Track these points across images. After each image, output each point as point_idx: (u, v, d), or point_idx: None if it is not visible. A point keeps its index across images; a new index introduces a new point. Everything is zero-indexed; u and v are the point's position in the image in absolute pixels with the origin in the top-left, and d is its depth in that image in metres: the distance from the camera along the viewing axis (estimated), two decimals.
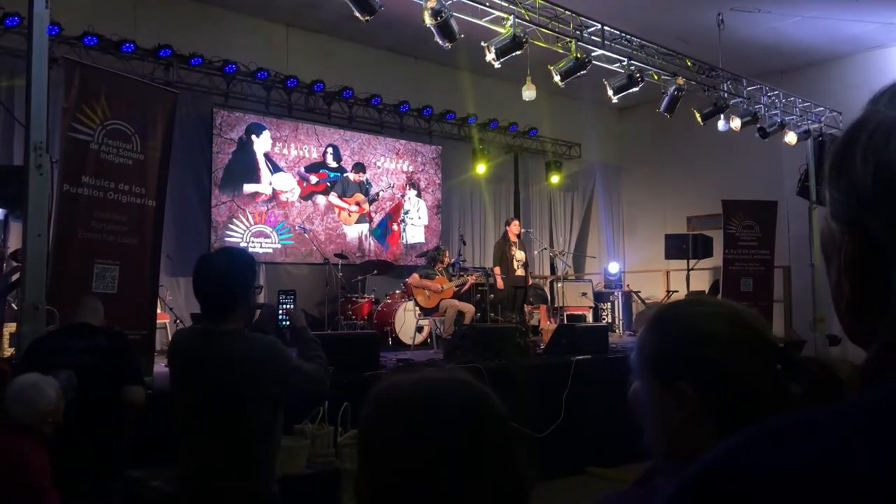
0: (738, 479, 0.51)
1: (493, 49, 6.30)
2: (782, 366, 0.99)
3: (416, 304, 7.91)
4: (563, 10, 6.82)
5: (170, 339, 6.61)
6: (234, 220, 8.79)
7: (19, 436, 2.91)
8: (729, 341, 1.00)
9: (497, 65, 6.36)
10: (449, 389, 0.94)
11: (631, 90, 7.48)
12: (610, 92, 7.52)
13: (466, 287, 8.33)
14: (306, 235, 8.97)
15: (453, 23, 5.87)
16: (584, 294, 10.47)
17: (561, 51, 6.91)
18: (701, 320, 1.04)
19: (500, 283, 8.79)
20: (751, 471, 0.51)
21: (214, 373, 2.30)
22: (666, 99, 7.94)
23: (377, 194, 10.09)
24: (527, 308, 9.30)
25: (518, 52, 6.30)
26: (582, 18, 7.03)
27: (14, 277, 5.45)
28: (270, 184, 9.10)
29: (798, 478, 0.49)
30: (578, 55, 6.83)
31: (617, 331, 10.55)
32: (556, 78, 6.92)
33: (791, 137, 9.26)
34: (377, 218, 10.10)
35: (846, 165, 0.59)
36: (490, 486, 0.88)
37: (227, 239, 8.63)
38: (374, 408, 0.94)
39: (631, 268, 12.57)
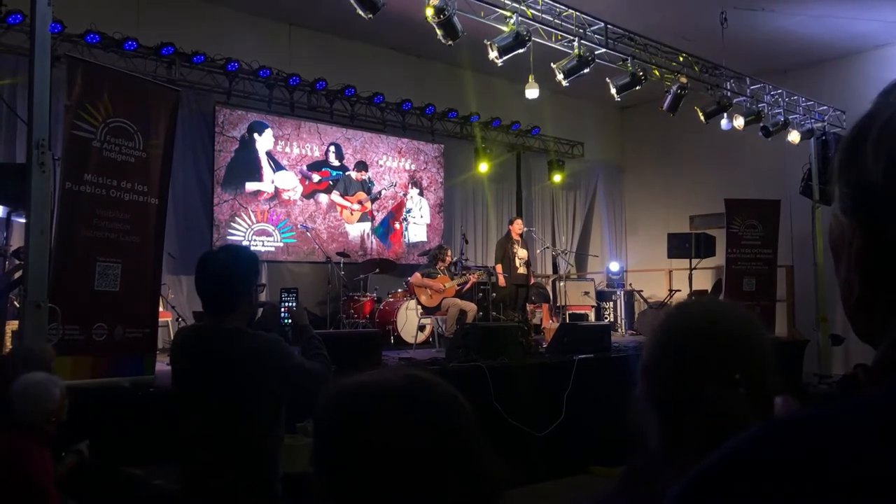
0: (737, 479, 0.50)
1: (495, 47, 6.29)
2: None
3: (418, 302, 7.91)
4: (566, 9, 6.81)
5: (172, 337, 6.61)
6: (237, 218, 8.80)
7: (23, 435, 2.91)
8: (679, 356, 1.07)
9: (499, 63, 6.35)
10: (415, 387, 0.91)
11: (634, 88, 7.46)
12: (613, 90, 7.50)
13: (468, 286, 8.32)
14: (308, 234, 8.98)
15: (456, 20, 5.87)
16: (587, 293, 10.47)
17: (564, 49, 6.90)
18: (668, 327, 1.12)
19: (502, 282, 8.80)
20: (751, 471, 0.50)
21: (217, 370, 2.30)
22: (669, 97, 7.93)
23: (379, 193, 10.09)
24: (529, 307, 9.30)
25: (521, 51, 6.29)
26: (585, 16, 7.01)
27: (16, 275, 5.45)
28: (273, 182, 9.11)
29: (799, 477, 0.48)
30: (581, 53, 6.82)
31: (619, 330, 10.54)
32: (559, 76, 6.91)
33: (794, 136, 9.24)
34: (379, 216, 10.10)
35: (856, 159, 0.58)
36: (460, 484, 0.86)
37: (229, 237, 8.64)
38: (340, 408, 0.90)
39: (633, 267, 12.57)
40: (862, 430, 0.50)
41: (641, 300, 11.34)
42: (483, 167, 10.95)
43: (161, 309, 5.99)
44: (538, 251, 11.36)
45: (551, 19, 6.73)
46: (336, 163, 9.69)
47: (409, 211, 10.43)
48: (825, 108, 9.61)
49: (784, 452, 0.50)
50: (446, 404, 0.91)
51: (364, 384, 0.91)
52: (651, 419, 1.07)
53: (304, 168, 9.39)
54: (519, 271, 8.84)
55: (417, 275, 8.10)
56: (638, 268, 12.44)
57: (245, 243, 8.60)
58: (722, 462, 0.52)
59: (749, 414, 1.00)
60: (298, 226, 9.11)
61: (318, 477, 0.89)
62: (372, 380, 0.92)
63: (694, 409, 1.01)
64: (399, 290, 8.64)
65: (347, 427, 0.88)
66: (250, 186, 8.92)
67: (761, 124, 8.92)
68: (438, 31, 5.88)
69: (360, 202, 9.90)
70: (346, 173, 9.79)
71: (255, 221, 8.94)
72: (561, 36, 6.83)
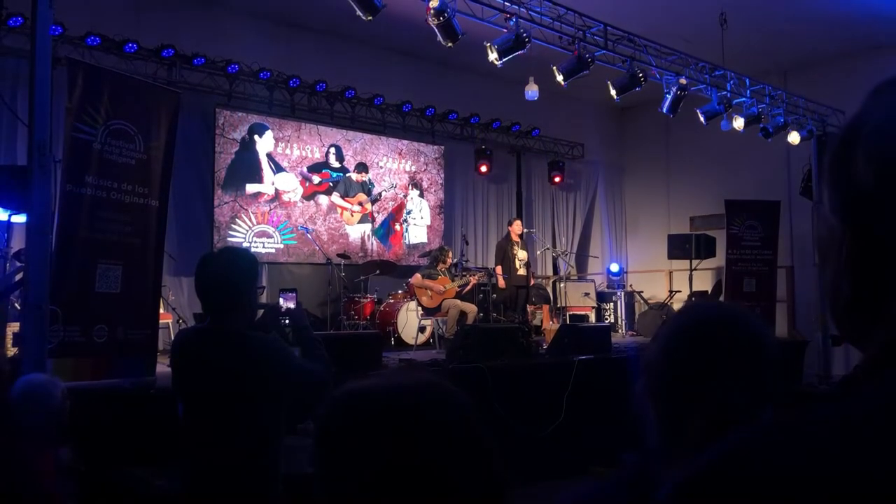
0: (730, 479, 0.50)
1: (495, 49, 6.30)
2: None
3: (419, 304, 7.91)
4: (565, 10, 6.81)
5: (173, 338, 6.60)
6: (237, 219, 8.80)
7: (24, 437, 2.91)
8: (693, 353, 1.08)
9: (499, 64, 6.36)
10: (425, 392, 0.90)
11: (633, 90, 7.47)
12: (613, 91, 7.51)
13: (469, 287, 8.33)
14: (309, 236, 8.98)
15: (456, 22, 5.88)
16: (587, 294, 10.47)
17: (564, 50, 6.90)
18: (683, 324, 1.13)
19: (502, 283, 8.80)
20: (744, 471, 0.50)
21: (217, 372, 2.31)
22: (668, 99, 7.93)
23: (380, 194, 10.10)
24: (529, 308, 9.30)
25: (521, 52, 6.30)
26: (585, 18, 7.02)
27: (17, 277, 5.46)
28: (273, 184, 9.11)
29: (788, 481, 0.48)
30: (581, 55, 6.82)
31: (619, 331, 10.54)
32: (559, 78, 6.91)
33: (794, 137, 9.23)
34: (380, 218, 10.11)
35: (847, 161, 0.58)
36: (468, 491, 0.85)
37: (229, 239, 8.64)
38: (348, 414, 0.89)
39: (633, 268, 12.56)
40: (853, 430, 0.50)
41: (642, 301, 11.34)
42: (483, 168, 10.96)
43: (161, 310, 6.00)
44: (538, 252, 11.36)
45: (551, 21, 6.73)
46: (336, 164, 9.70)
47: (409, 212, 10.44)
48: (825, 108, 9.61)
49: (776, 453, 0.50)
50: (458, 410, 0.90)
51: (371, 388, 0.90)
52: (652, 416, 1.07)
53: (305, 170, 9.40)
54: (519, 272, 8.84)
55: (418, 276, 8.10)
56: (638, 269, 12.43)
57: (245, 245, 8.60)
58: (716, 461, 0.53)
59: (757, 409, 1.01)
60: (299, 227, 9.12)
61: (318, 482, 0.88)
62: (380, 384, 0.91)
63: (704, 405, 1.02)
64: (399, 292, 8.64)
65: (352, 433, 0.87)
66: (251, 188, 8.93)
67: (761, 125, 8.91)
68: (438, 33, 5.89)
69: (360, 204, 9.90)
70: (347, 175, 9.79)
71: (255, 223, 8.95)
72: (561, 37, 6.83)
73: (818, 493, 0.47)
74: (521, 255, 8.92)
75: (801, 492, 0.48)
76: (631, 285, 11.66)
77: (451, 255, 8.51)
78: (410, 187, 10.46)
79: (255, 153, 9.00)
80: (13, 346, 5.26)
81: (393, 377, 0.93)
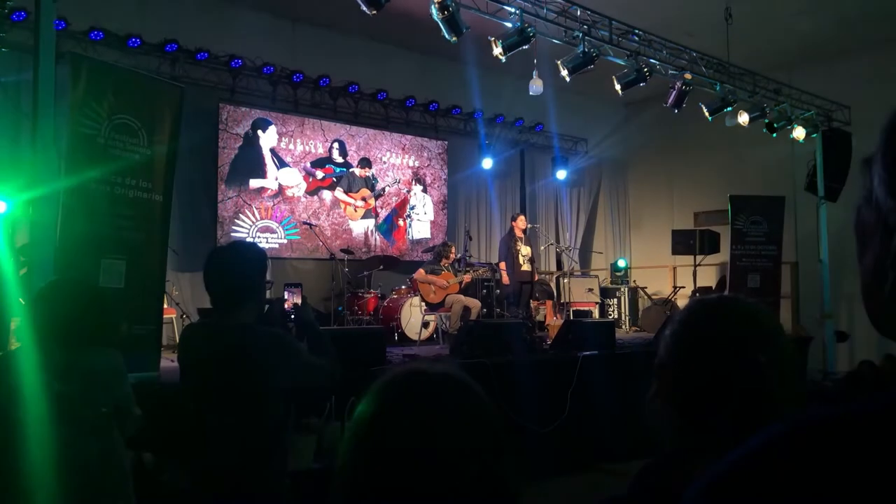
0: (753, 481, 0.49)
1: (499, 43, 6.28)
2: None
3: (422, 299, 7.91)
4: (570, 5, 6.78)
5: (176, 333, 6.62)
6: (241, 214, 8.80)
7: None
8: (702, 354, 1.06)
9: (503, 59, 6.34)
10: (460, 384, 0.91)
11: (638, 85, 7.44)
12: (617, 87, 7.48)
13: (467, 281, 8.32)
14: (312, 231, 8.98)
15: (460, 16, 5.85)
16: (591, 290, 10.45)
17: (569, 45, 6.88)
18: (689, 321, 1.12)
19: (506, 279, 8.79)
20: (766, 473, 0.49)
21: (225, 367, 2.30)
22: (673, 94, 7.90)
23: (383, 189, 10.09)
24: (533, 303, 9.30)
25: (525, 47, 6.28)
26: (590, 13, 6.99)
27: (21, 272, 5.46)
28: (276, 179, 9.11)
29: (825, 478, 0.47)
30: (586, 49, 6.80)
31: (623, 327, 10.53)
32: (564, 73, 6.89)
33: (799, 132, 9.19)
34: (383, 213, 10.10)
35: None
36: (481, 483, 0.85)
37: (233, 234, 8.65)
38: (396, 399, 0.89)
39: (637, 263, 12.54)
40: (884, 433, 0.49)
41: (645, 297, 11.33)
42: (487, 164, 10.94)
43: (165, 306, 6.00)
44: (542, 248, 11.35)
45: (556, 15, 6.70)
46: (340, 159, 9.69)
47: (412, 207, 10.43)
48: (831, 104, 9.57)
49: (801, 455, 0.49)
50: (487, 403, 0.92)
51: (439, 374, 0.91)
52: (670, 418, 1.05)
53: (308, 165, 9.39)
54: (523, 268, 8.83)
55: (421, 271, 8.10)
56: (642, 264, 12.42)
57: (249, 240, 8.60)
58: (737, 463, 0.52)
59: (778, 395, 1.00)
60: (302, 222, 9.12)
61: (346, 467, 0.88)
62: (444, 371, 0.92)
63: (723, 397, 1.00)
64: (403, 287, 8.64)
65: (422, 415, 0.88)
66: (254, 183, 8.93)
67: (766, 120, 8.87)
68: (443, 28, 5.86)
69: (363, 199, 9.90)
70: (350, 170, 9.79)
71: (259, 218, 8.95)
72: (566, 32, 6.81)
73: (857, 491, 0.46)
74: (525, 250, 8.91)
75: (838, 489, 0.47)
76: (635, 281, 11.64)
77: (454, 250, 8.50)
78: (414, 182, 10.46)
79: (259, 148, 8.99)
80: (18, 340, 5.26)
81: (429, 366, 0.95)
